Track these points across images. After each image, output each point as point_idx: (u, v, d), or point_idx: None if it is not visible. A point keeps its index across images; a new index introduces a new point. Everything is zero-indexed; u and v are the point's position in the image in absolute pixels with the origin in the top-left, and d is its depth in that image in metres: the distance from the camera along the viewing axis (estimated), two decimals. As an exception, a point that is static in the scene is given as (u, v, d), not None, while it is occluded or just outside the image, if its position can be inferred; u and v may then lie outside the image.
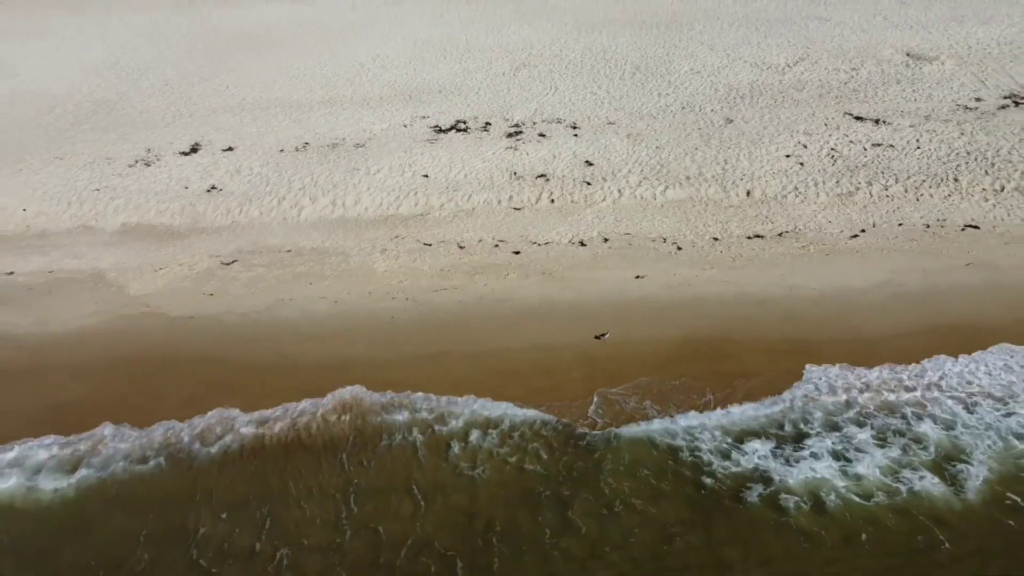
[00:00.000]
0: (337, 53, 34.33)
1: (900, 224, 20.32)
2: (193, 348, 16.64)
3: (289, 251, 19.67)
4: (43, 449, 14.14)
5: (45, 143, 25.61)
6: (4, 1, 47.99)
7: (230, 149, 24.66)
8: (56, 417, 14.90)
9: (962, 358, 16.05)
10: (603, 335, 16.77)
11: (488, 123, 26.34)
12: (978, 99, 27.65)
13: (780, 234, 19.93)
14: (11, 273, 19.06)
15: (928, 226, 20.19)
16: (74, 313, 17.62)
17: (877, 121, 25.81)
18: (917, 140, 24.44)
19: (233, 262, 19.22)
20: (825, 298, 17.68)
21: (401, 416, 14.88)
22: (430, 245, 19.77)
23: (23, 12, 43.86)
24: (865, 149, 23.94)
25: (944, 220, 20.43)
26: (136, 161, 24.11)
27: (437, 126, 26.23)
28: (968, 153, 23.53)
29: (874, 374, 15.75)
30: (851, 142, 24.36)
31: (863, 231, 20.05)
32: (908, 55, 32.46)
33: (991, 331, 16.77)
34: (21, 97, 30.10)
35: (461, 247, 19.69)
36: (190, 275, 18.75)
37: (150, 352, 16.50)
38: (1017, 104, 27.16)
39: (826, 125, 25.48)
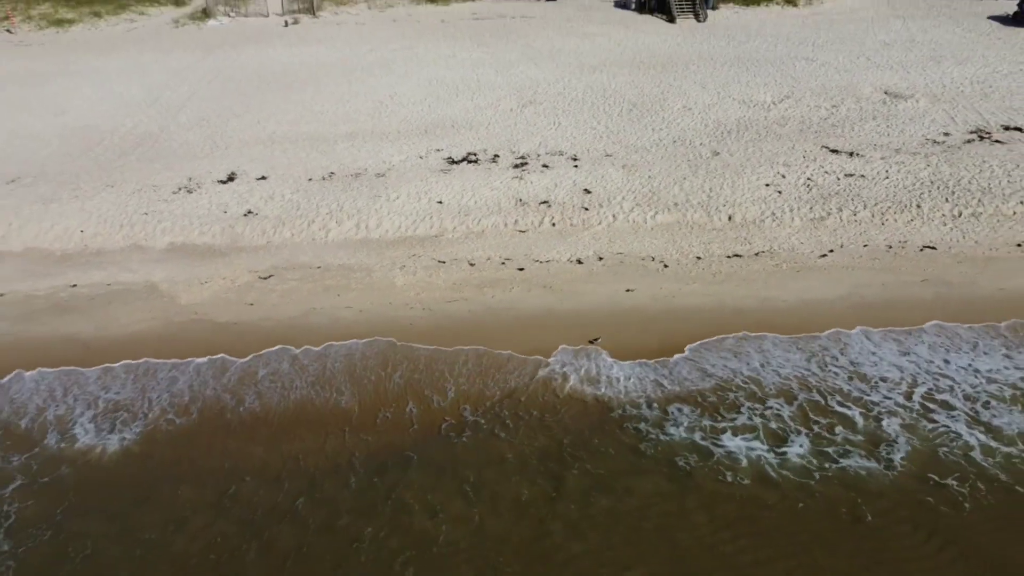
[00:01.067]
0: (357, 91, 37.20)
1: (865, 245, 22.62)
2: (238, 348, 19.01)
3: (319, 267, 22.12)
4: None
5: (97, 172, 28.37)
6: (44, 44, 51.50)
7: (263, 178, 27.33)
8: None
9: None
10: (596, 340, 19.05)
11: (497, 155, 28.95)
12: (946, 134, 30.10)
13: (757, 254, 22.26)
14: (74, 285, 21.56)
15: (890, 247, 22.50)
16: (132, 319, 20.06)
17: (851, 154, 28.27)
18: (886, 171, 26.84)
19: (270, 276, 21.69)
20: (793, 308, 19.94)
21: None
22: (444, 262, 22.20)
23: (65, 54, 47.24)
24: (838, 179, 26.35)
25: (905, 242, 22.73)
26: (179, 188, 26.79)
27: (450, 158, 28.86)
28: (932, 183, 25.90)
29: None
30: (826, 172, 26.79)
31: (831, 251, 22.37)
32: (886, 93, 35.02)
33: (940, 337, 18.92)
34: (72, 132, 32.96)
35: (472, 264, 22.11)
36: (232, 287, 21.21)
37: (200, 352, 18.88)
38: (982, 139, 29.59)
39: (804, 157, 27.95)
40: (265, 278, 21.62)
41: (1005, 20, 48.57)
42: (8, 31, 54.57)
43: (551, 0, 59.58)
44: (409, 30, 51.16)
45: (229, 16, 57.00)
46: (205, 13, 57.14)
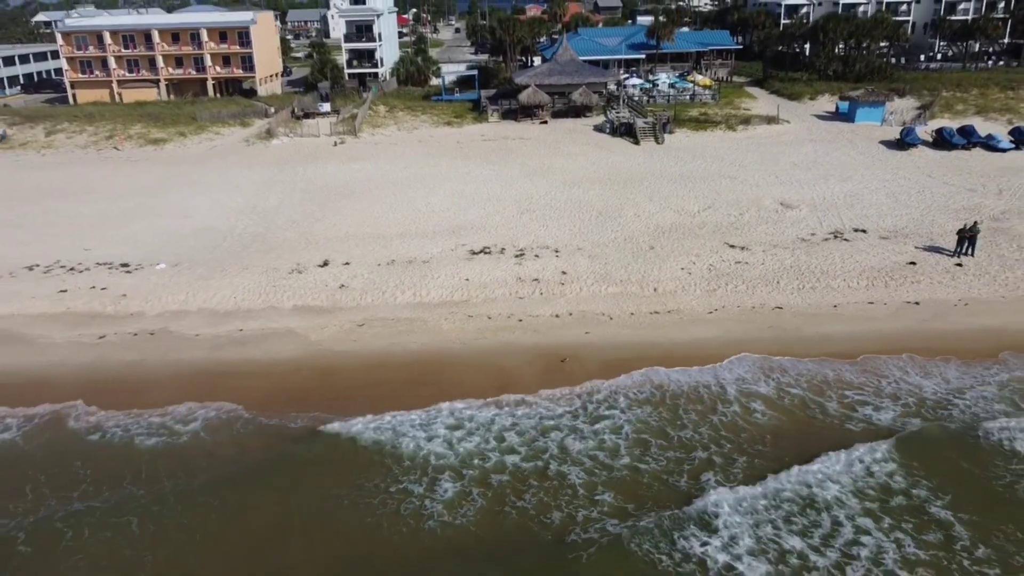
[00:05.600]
0: (401, 201, 51.03)
1: (738, 306, 35.58)
2: (348, 366, 31.61)
3: (393, 319, 35.00)
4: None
5: (231, 259, 41.64)
6: (148, 160, 65.72)
7: (347, 263, 40.60)
8: (286, 399, 29.58)
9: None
10: (564, 360, 31.73)
11: (503, 248, 42.34)
12: (812, 234, 43.63)
13: (669, 311, 35.21)
14: (241, 330, 34.35)
15: (754, 307, 35.46)
16: (283, 349, 32.76)
17: (743, 248, 41.67)
18: (763, 259, 40.13)
19: (363, 325, 34.55)
20: (686, 343, 32.64)
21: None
22: (472, 316, 35.09)
23: (168, 168, 61.49)
24: (730, 264, 39.61)
25: (764, 304, 35.70)
26: (291, 270, 39.99)
27: (472, 250, 42.21)
28: (792, 267, 39.12)
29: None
30: (723, 260, 40.08)
31: (716, 310, 35.29)
32: (781, 204, 48.85)
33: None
34: (200, 231, 46.46)
35: (489, 318, 34.99)
36: (341, 331, 34.03)
37: (327, 367, 31.48)
38: (836, 237, 43.08)
39: (710, 250, 41.32)
40: (360, 325, 34.49)
41: (891, 144, 63.24)
42: (116, 148, 69.23)
43: (543, 123, 74.61)
44: (433, 149, 65.73)
45: (288, 136, 71.84)
46: (269, 133, 71.99)
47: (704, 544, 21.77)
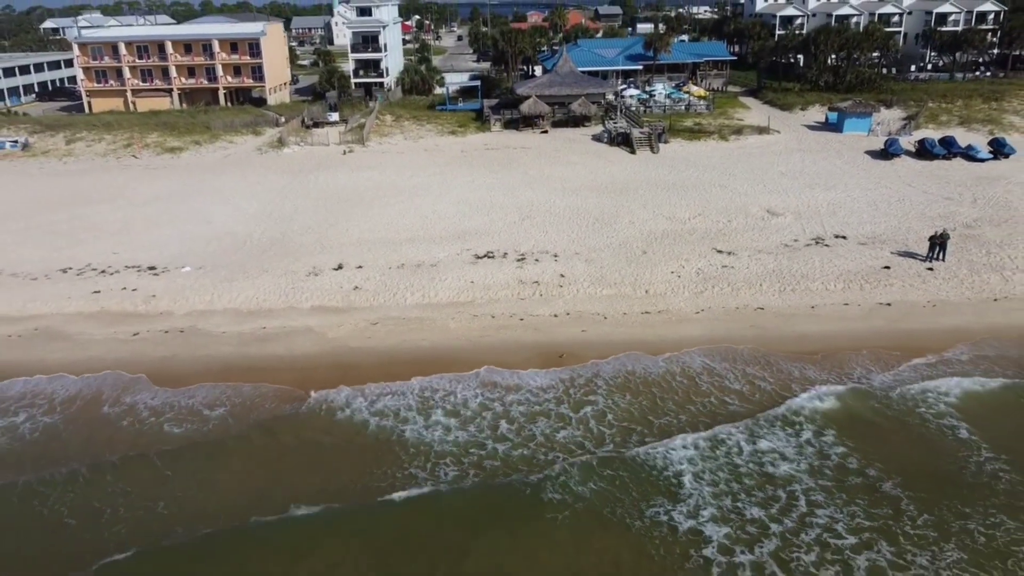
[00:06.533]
0: (409, 208, 53.96)
1: (723, 307, 38.46)
2: (363, 359, 34.49)
3: (403, 319, 37.89)
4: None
5: (252, 263, 44.57)
6: (166, 167, 68.69)
7: (360, 267, 43.51)
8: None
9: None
10: (562, 355, 34.60)
11: (506, 253, 45.24)
12: (795, 240, 46.54)
13: (659, 312, 38.10)
14: (264, 328, 37.23)
15: (737, 308, 38.35)
16: (303, 345, 35.64)
17: (730, 253, 44.57)
18: (748, 264, 43.01)
19: (376, 323, 37.45)
20: (674, 341, 35.49)
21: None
22: (476, 316, 37.98)
23: (187, 176, 64.41)
24: (717, 269, 42.50)
25: (747, 305, 38.58)
26: (308, 273, 42.91)
27: (476, 254, 45.12)
28: (774, 272, 42.00)
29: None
30: (710, 264, 42.97)
31: (703, 310, 38.18)
32: (767, 211, 51.76)
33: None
34: (221, 236, 49.38)
35: (493, 317, 37.88)
36: (356, 329, 36.93)
37: (342, 361, 34.34)
38: (818, 243, 45.98)
39: (699, 255, 44.22)
40: (374, 324, 37.38)
41: (875, 154, 66.13)
42: (134, 156, 72.20)
43: (544, 132, 77.54)
44: (438, 158, 68.68)
45: (299, 145, 74.79)
46: (280, 142, 74.94)
47: (669, 511, 25.03)
